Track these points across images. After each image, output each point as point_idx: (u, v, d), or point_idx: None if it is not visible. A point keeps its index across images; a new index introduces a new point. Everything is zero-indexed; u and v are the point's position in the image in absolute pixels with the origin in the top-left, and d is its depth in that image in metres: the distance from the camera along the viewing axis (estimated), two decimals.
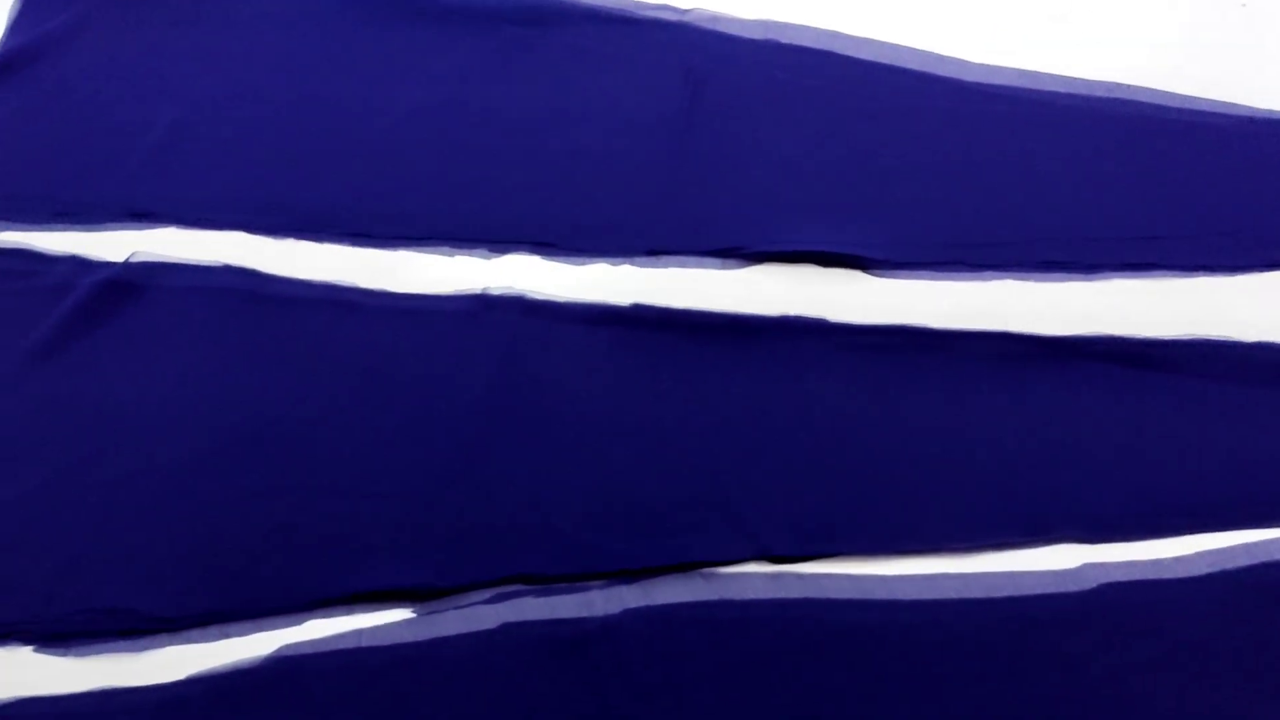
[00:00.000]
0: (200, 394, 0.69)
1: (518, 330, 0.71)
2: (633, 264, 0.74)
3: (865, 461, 0.66)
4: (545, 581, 0.63)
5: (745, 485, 0.65)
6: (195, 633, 0.63)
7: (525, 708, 0.60)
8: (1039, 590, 0.61)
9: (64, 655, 0.62)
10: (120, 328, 0.72)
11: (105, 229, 0.76)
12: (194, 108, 0.81)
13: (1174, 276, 0.73)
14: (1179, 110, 0.79)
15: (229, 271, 0.74)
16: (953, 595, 0.61)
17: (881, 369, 0.69)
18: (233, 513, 0.65)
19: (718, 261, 0.74)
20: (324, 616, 0.63)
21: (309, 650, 0.62)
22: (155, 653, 0.62)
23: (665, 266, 0.74)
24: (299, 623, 0.63)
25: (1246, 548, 0.63)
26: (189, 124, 0.80)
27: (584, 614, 0.62)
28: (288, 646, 0.62)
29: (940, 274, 0.73)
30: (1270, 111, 0.79)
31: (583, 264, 0.74)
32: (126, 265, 0.74)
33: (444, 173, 0.78)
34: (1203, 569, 0.62)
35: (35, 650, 0.62)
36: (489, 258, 0.75)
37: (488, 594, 0.63)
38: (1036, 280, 0.73)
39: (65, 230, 0.76)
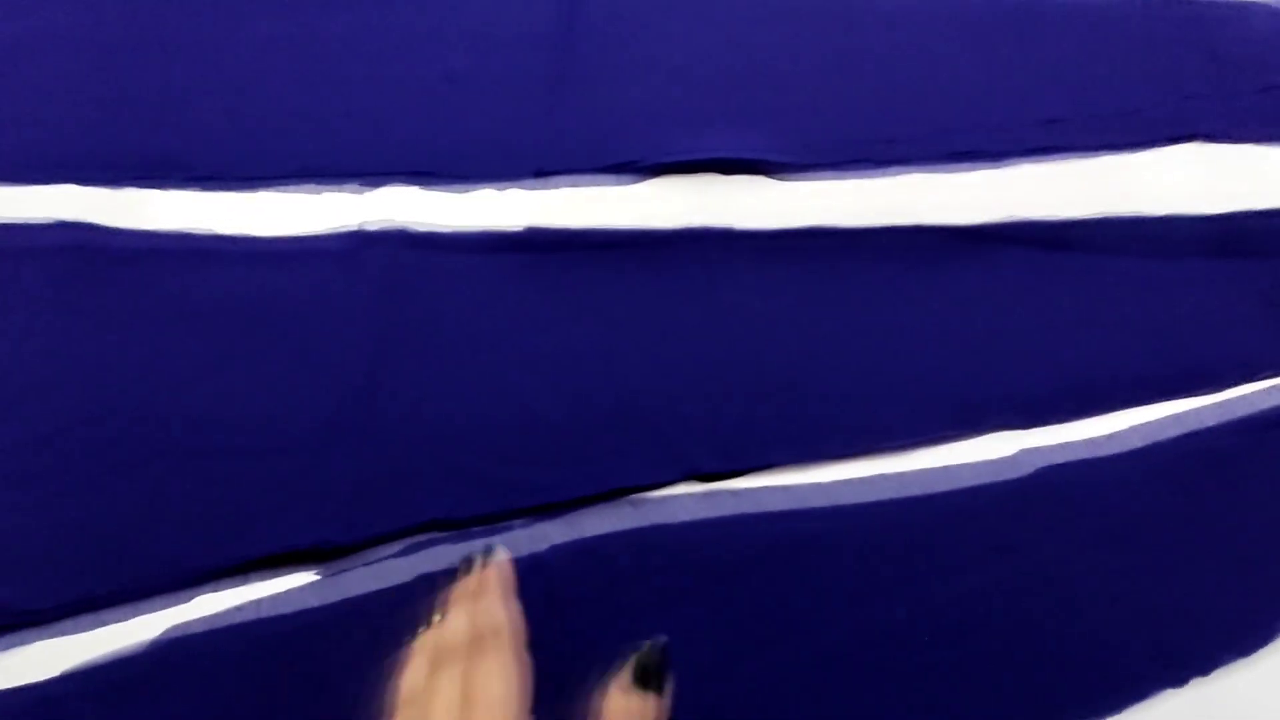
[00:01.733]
0: (45, 363, 0.62)
1: (402, 264, 0.66)
2: (520, 187, 0.70)
3: (787, 369, 0.63)
4: (461, 526, 0.58)
5: (664, 404, 0.62)
6: (67, 624, 0.55)
7: None
8: (977, 481, 0.60)
9: None
10: None
11: None
12: (2, 52, 0.73)
13: (1079, 158, 0.73)
14: None
15: (62, 228, 0.67)
16: (891, 495, 0.59)
17: (794, 273, 0.67)
18: (96, 489, 0.58)
19: (612, 178, 0.70)
20: (215, 590, 0.57)
21: (201, 629, 0.55)
22: (21, 650, 0.55)
23: (557, 187, 0.70)
24: (186, 600, 0.56)
25: (1175, 418, 0.63)
26: None
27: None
28: (176, 627, 0.55)
29: (846, 173, 0.71)
30: None
31: (466, 191, 0.69)
32: None
33: (301, 106, 0.72)
34: (1135, 443, 0.62)
35: None
36: (361, 192, 0.69)
37: (398, 546, 0.58)
38: (943, 172, 0.71)
39: None
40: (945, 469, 0.61)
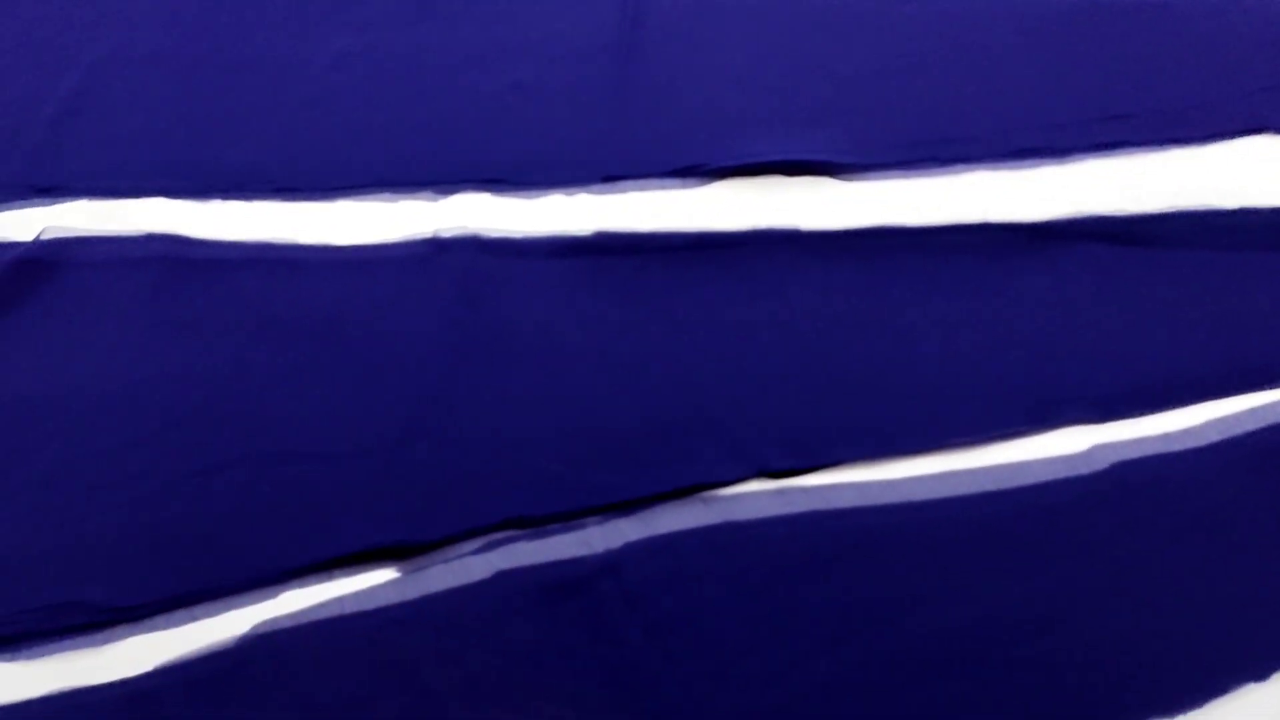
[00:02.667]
0: (136, 370, 0.64)
1: (476, 269, 0.67)
2: (589, 192, 0.71)
3: (856, 366, 0.64)
4: (537, 524, 0.59)
5: (735, 402, 0.62)
6: (160, 619, 0.57)
7: (529, 656, 0.56)
8: (1050, 476, 0.60)
9: (13, 660, 0.56)
10: (38, 308, 0.66)
11: (9, 208, 0.71)
12: (93, 73, 0.76)
13: (1147, 152, 0.72)
14: None
15: (152, 240, 0.69)
16: (963, 491, 0.59)
17: (862, 272, 0.67)
18: (187, 490, 0.60)
19: (678, 181, 0.71)
20: (300, 587, 0.58)
21: (288, 624, 0.57)
22: (117, 645, 0.57)
23: (624, 191, 0.71)
24: (273, 596, 0.58)
25: (1251, 412, 0.62)
26: (90, 91, 0.75)
27: (582, 553, 0.58)
28: (264, 623, 0.57)
29: (911, 172, 0.71)
30: None
31: (536, 197, 0.71)
32: (37, 243, 0.68)
33: (377, 118, 0.74)
34: (1211, 437, 0.61)
35: None
36: (435, 200, 0.71)
37: (477, 543, 0.59)
38: (1009, 169, 0.71)
39: None
40: (1018, 465, 0.61)
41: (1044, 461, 0.61)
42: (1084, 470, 0.60)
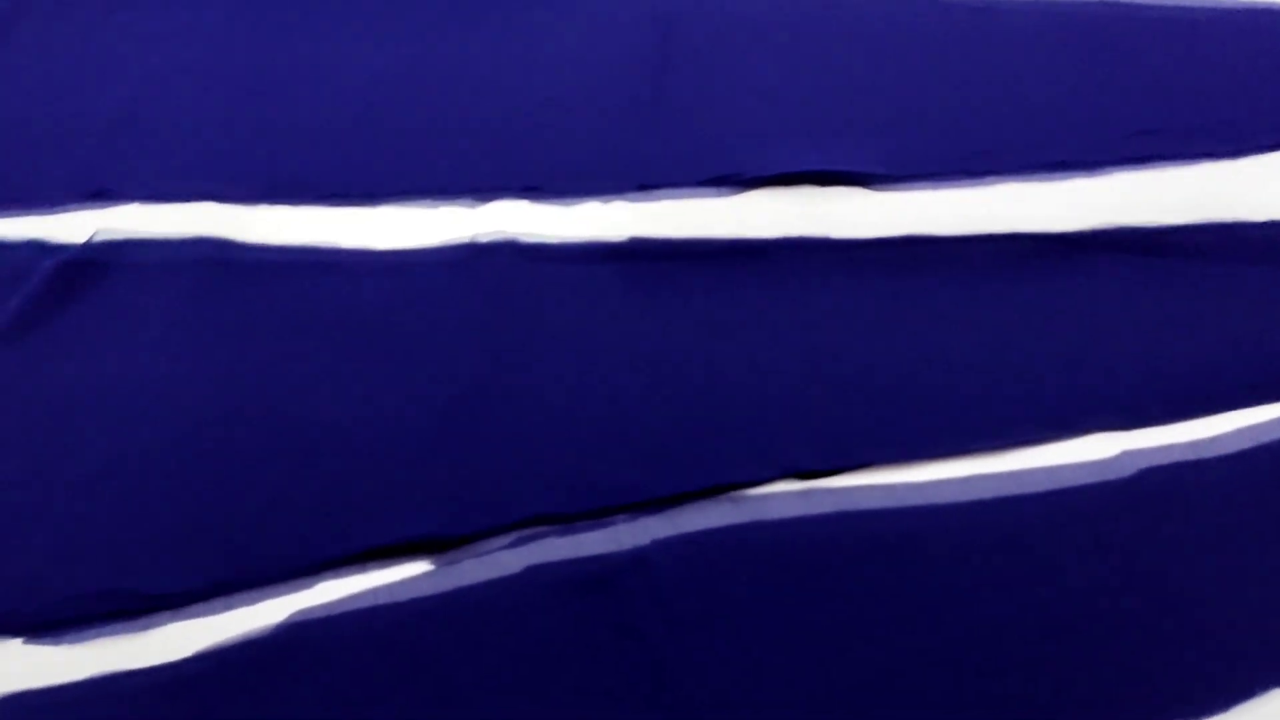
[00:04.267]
0: (181, 368, 0.66)
1: (512, 274, 0.69)
2: (624, 200, 0.72)
3: (885, 371, 0.64)
4: (567, 520, 0.60)
5: (763, 405, 0.63)
6: (199, 606, 0.58)
7: (557, 649, 0.57)
8: (1078, 482, 0.60)
9: (57, 644, 0.57)
10: (88, 308, 0.68)
11: (63, 211, 0.73)
12: (146, 82, 0.79)
13: (1178, 165, 0.72)
14: (1164, 6, 0.79)
15: (200, 243, 0.71)
16: (990, 495, 0.60)
17: (893, 280, 0.68)
18: (227, 483, 0.62)
19: (712, 190, 0.72)
20: (336, 577, 0.59)
21: (323, 614, 0.58)
22: (157, 631, 0.58)
23: (658, 200, 0.72)
24: (310, 586, 0.59)
25: (1278, 421, 0.62)
26: (143, 98, 0.78)
27: (611, 549, 0.59)
28: (300, 612, 0.58)
29: (942, 184, 0.72)
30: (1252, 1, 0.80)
31: (572, 204, 0.72)
32: (89, 245, 0.70)
33: (419, 126, 0.76)
34: (1239, 445, 0.61)
35: (25, 642, 0.57)
36: (474, 206, 0.72)
37: (509, 538, 0.60)
38: (1040, 181, 0.72)
39: (20, 216, 0.72)
40: (1046, 469, 0.61)
41: (1072, 467, 0.61)
42: (1112, 476, 0.60)
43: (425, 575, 0.59)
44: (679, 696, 0.55)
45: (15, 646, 0.57)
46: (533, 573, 0.59)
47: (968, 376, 0.64)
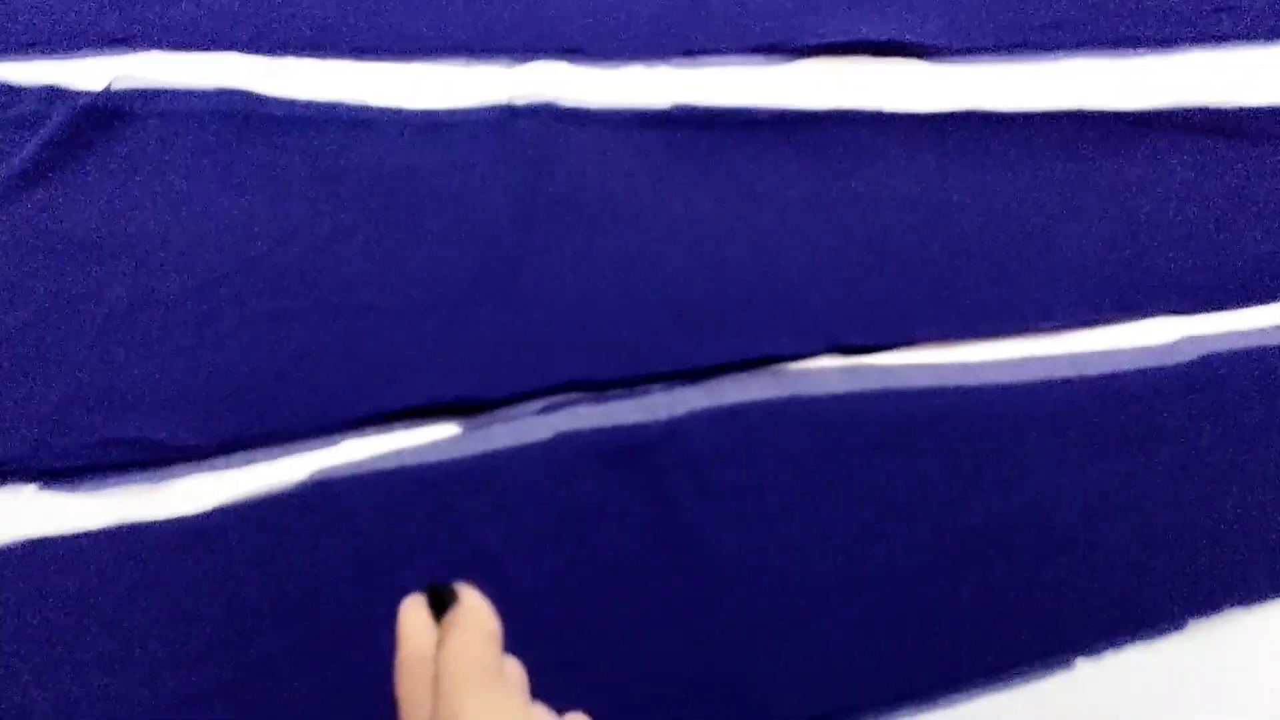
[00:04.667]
0: (204, 222, 0.64)
1: (550, 138, 0.66)
2: (669, 65, 0.69)
3: (936, 247, 0.62)
4: (601, 388, 0.59)
5: (809, 278, 0.61)
6: (219, 460, 0.57)
7: (585, 519, 0.55)
8: (1135, 366, 0.58)
9: (73, 492, 0.56)
10: (107, 158, 0.66)
11: (80, 56, 0.70)
12: None
13: (1253, 46, 0.69)
14: None
15: (223, 94, 0.68)
16: (1043, 376, 0.58)
17: (948, 156, 0.65)
18: (250, 337, 0.60)
19: (761, 58, 0.69)
20: (361, 436, 0.58)
21: (348, 473, 0.56)
22: (176, 483, 0.56)
23: (704, 66, 0.69)
24: (333, 444, 0.57)
25: None
26: None
27: (645, 419, 0.57)
28: (323, 470, 0.56)
29: (1004, 57, 0.69)
30: None
31: (614, 68, 0.69)
32: (108, 92, 0.67)
33: None
34: None
35: (40, 488, 0.56)
36: (511, 67, 0.69)
37: (539, 404, 0.58)
38: (1107, 57, 0.69)
39: (36, 60, 0.69)
40: (1102, 353, 0.59)
41: (1129, 351, 0.59)
42: (1170, 361, 0.58)
43: (452, 439, 0.58)
44: (707, 567, 0.54)
45: (29, 493, 0.56)
46: (563, 440, 0.57)
47: (1022, 256, 0.62)
